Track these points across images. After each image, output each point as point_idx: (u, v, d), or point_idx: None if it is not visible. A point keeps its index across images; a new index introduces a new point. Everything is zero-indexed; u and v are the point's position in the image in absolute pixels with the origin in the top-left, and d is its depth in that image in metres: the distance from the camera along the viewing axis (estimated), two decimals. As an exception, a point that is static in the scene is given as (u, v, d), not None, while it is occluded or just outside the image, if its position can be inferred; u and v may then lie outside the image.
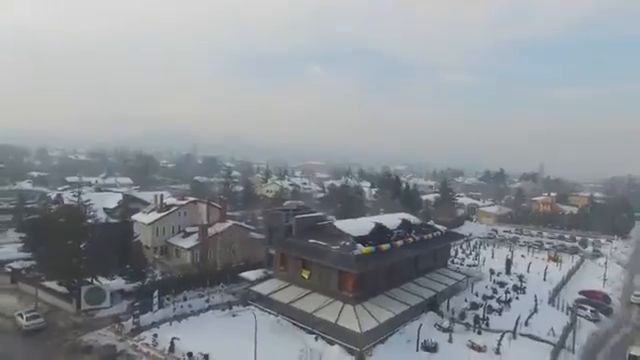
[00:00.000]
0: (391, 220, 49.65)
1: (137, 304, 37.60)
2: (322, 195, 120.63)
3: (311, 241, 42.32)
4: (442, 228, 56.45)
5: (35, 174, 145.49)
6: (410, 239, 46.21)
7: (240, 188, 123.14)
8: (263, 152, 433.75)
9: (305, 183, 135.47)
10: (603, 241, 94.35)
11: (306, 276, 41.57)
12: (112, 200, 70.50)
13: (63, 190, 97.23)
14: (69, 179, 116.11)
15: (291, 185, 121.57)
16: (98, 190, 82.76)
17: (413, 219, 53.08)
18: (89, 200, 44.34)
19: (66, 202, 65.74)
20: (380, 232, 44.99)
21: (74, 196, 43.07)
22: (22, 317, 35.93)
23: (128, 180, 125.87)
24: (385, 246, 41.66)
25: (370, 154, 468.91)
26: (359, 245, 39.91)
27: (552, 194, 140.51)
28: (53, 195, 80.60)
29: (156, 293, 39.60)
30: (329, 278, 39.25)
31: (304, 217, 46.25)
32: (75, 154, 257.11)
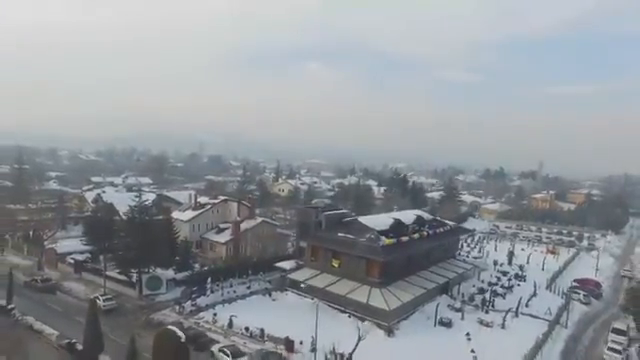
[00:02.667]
0: (407, 216, 55.93)
1: (195, 289, 43.96)
2: (332, 193, 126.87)
3: (340, 234, 48.61)
4: (451, 223, 62.80)
5: (54, 174, 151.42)
6: (424, 233, 52.57)
7: (253, 187, 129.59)
8: (263, 150, 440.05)
9: (316, 182, 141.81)
10: (598, 236, 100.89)
11: (336, 265, 47.89)
12: (146, 199, 76.92)
13: (90, 190, 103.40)
14: (94, 179, 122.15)
15: (302, 184, 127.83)
16: (129, 190, 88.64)
17: (426, 215, 59.41)
18: (147, 200, 50.40)
19: (110, 201, 72.13)
20: (398, 226, 51.22)
21: (135, 197, 49.04)
22: (99, 299, 42.12)
23: (148, 180, 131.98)
24: (404, 238, 48.05)
25: (370, 151, 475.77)
26: (383, 237, 46.24)
27: (551, 192, 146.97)
28: (88, 195, 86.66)
29: (209, 280, 45.91)
30: (357, 266, 45.52)
31: (332, 213, 52.51)
32: (84, 154, 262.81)
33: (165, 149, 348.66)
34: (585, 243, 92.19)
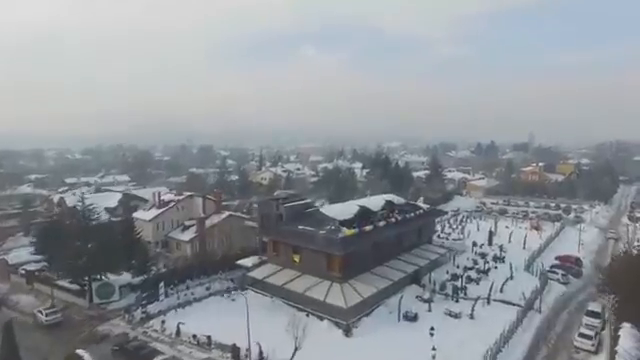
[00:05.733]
0: (375, 202, 53.01)
1: (145, 295, 41.35)
2: (316, 179, 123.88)
3: (300, 227, 45.77)
4: (424, 206, 60.08)
5: (33, 177, 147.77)
6: (393, 219, 49.78)
7: (235, 177, 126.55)
8: (259, 137, 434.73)
9: (299, 169, 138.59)
10: (586, 207, 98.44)
11: (297, 260, 45.25)
12: (113, 199, 74.12)
13: (63, 192, 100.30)
14: (68, 180, 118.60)
15: (284, 171, 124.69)
16: (98, 190, 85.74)
17: (397, 199, 56.47)
18: (92, 204, 47.38)
19: (69, 205, 69.15)
20: (364, 214, 48.43)
21: (78, 201, 46.11)
22: (42, 314, 39.58)
23: (125, 178, 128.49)
24: (368, 227, 45.25)
25: (366, 132, 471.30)
26: (343, 228, 43.45)
27: (540, 164, 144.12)
28: (55, 198, 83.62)
29: (162, 284, 43.26)
30: (317, 260, 42.84)
31: (293, 205, 49.58)
32: (70, 153, 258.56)
33: (155, 143, 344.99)
34: (572, 216, 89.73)
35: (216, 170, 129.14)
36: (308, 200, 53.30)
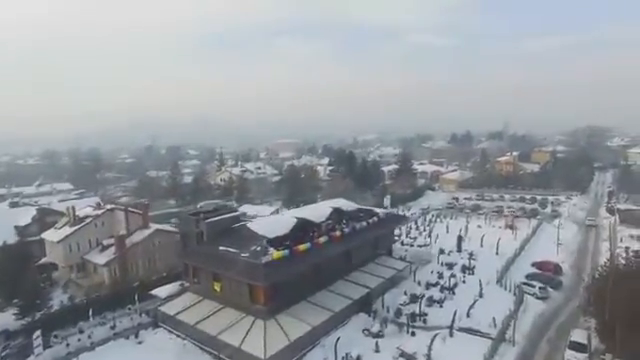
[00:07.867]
0: (320, 211, 44.59)
1: (7, 350, 31.84)
2: (279, 178, 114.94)
3: (221, 248, 36.95)
4: (381, 211, 51.86)
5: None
6: (337, 233, 41.36)
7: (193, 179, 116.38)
8: (234, 135, 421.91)
9: (259, 168, 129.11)
10: (563, 199, 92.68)
11: (218, 289, 36.55)
12: (26, 216, 63.65)
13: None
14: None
15: (243, 171, 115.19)
16: (14, 205, 74.92)
17: (346, 206, 48.16)
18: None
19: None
20: (304, 228, 40.09)
21: None
22: None
23: (67, 186, 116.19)
24: (303, 246, 36.67)
25: (343, 125, 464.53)
26: (271, 249, 34.84)
27: (515, 153, 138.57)
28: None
29: (38, 332, 33.60)
30: (240, 290, 34.31)
31: (216, 220, 40.55)
32: (25, 158, 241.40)
33: (121, 144, 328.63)
34: (549, 209, 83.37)
35: (185, 171, 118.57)
36: (237, 213, 44.34)
